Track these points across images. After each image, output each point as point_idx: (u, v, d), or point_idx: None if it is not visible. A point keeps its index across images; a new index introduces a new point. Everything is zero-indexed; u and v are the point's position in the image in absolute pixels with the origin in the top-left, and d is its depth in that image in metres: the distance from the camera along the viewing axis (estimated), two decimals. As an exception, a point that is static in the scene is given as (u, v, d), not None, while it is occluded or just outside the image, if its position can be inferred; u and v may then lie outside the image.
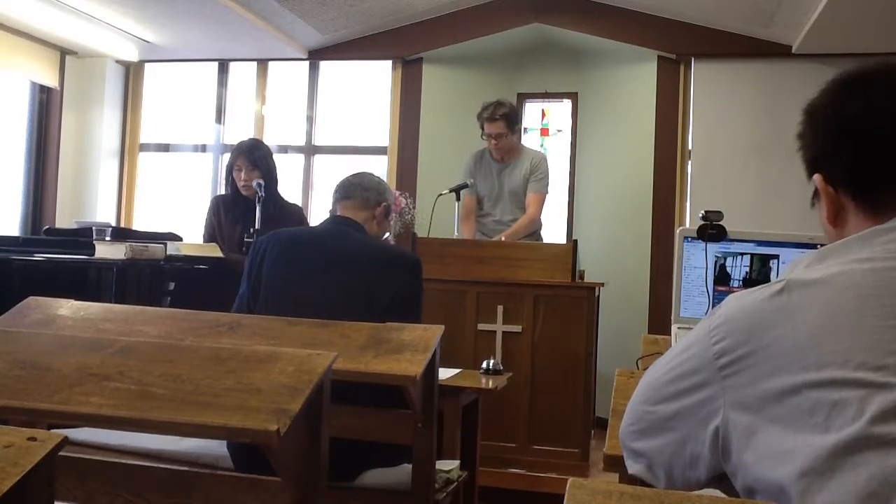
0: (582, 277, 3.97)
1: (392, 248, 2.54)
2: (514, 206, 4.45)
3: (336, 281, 2.24)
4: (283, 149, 5.59)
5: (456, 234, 4.28)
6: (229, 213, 3.79)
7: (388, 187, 2.59)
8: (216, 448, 2.16)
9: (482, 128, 4.35)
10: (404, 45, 5.31)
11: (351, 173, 2.57)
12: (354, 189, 2.48)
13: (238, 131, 5.73)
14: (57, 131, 5.53)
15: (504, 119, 4.27)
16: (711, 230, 1.83)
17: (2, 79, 5.22)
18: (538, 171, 4.38)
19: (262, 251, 2.34)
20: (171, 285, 3.54)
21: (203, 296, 3.45)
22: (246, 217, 3.65)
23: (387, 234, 2.82)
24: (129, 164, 5.83)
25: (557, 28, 5.07)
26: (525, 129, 5.46)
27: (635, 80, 5.11)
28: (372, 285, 2.22)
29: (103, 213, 5.62)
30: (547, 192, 4.43)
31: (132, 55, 5.53)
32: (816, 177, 0.98)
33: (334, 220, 2.46)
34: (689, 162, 4.97)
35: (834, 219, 0.98)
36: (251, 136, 4.63)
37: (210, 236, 3.83)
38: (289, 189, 3.88)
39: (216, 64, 5.74)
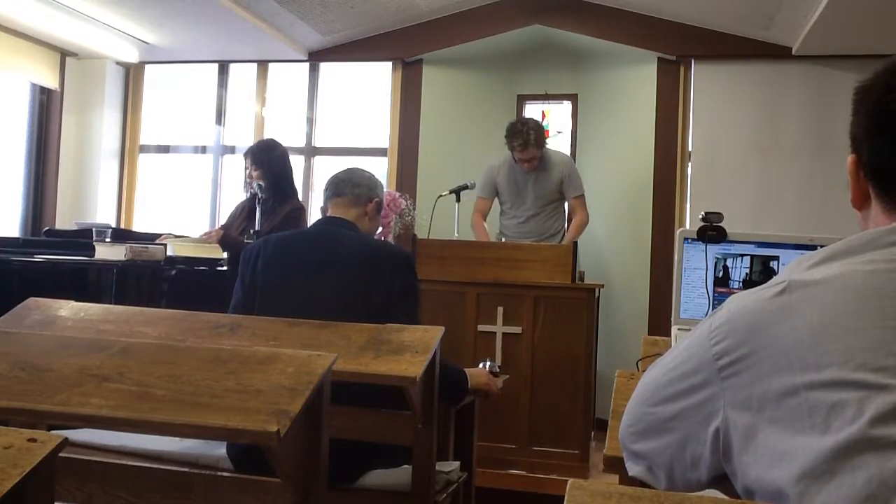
0: (582, 279, 3.97)
1: (383, 244, 2.53)
2: (539, 208, 4.55)
3: (331, 281, 2.23)
4: (283, 150, 5.58)
5: (456, 234, 4.28)
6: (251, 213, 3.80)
7: (379, 182, 2.56)
8: (216, 449, 2.15)
9: (511, 150, 4.39)
10: (404, 47, 5.31)
11: (341, 169, 2.56)
12: (345, 186, 2.47)
13: (238, 133, 5.74)
14: (57, 133, 5.53)
15: (536, 145, 4.33)
16: (711, 231, 1.83)
17: (2, 80, 5.23)
18: (572, 178, 4.53)
19: (254, 257, 2.33)
20: (171, 286, 3.54)
21: (203, 297, 3.45)
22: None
23: (380, 229, 2.81)
24: (129, 165, 5.83)
25: (557, 29, 5.07)
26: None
27: (635, 81, 5.11)
28: (367, 284, 2.22)
29: (103, 214, 5.62)
30: (584, 191, 4.58)
31: (132, 56, 5.53)
32: (849, 157, 0.96)
33: (326, 222, 2.45)
34: (689, 163, 4.97)
35: (861, 203, 0.96)
36: (268, 137, 4.54)
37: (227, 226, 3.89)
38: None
39: (216, 65, 5.75)
